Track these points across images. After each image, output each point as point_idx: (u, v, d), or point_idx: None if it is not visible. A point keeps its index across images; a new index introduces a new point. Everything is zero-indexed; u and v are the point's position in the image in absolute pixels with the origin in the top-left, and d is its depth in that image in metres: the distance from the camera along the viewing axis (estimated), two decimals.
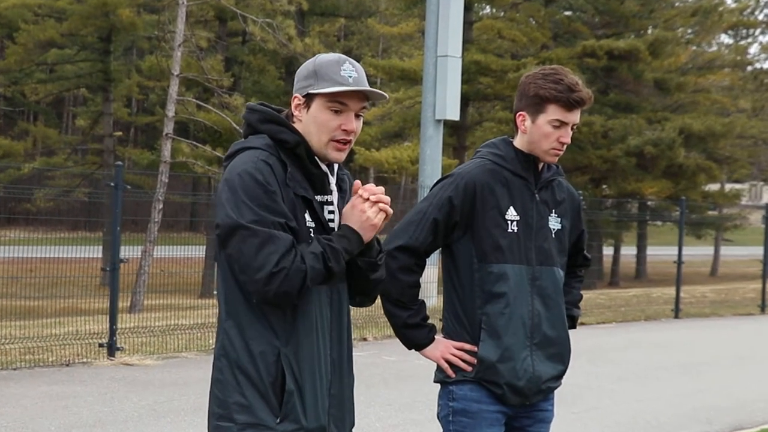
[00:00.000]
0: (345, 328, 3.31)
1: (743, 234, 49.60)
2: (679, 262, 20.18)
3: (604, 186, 37.54)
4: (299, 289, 3.07)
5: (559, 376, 4.05)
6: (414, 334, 3.99)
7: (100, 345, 11.84)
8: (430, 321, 4.03)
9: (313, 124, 3.21)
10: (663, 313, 19.64)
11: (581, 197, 4.94)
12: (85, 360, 11.50)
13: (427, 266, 4.07)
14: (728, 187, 45.83)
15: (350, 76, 3.19)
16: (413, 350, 4.05)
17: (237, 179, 3.11)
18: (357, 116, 3.23)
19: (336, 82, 3.17)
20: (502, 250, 3.89)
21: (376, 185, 3.25)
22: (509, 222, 3.91)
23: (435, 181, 4.06)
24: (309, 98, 3.22)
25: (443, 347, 3.96)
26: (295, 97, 3.26)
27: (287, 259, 3.04)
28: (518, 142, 3.99)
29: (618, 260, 40.37)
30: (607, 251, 39.57)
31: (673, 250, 20.52)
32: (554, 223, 4.03)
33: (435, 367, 4.04)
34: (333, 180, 3.31)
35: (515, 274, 3.89)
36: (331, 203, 3.28)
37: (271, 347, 3.13)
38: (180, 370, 11.26)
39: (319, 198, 3.24)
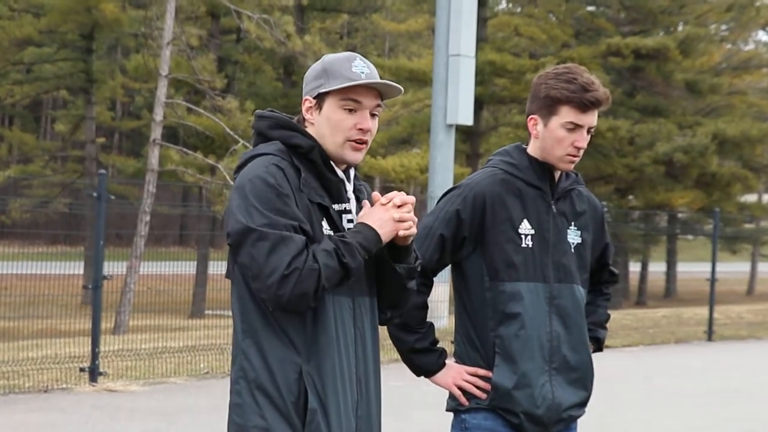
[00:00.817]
0: (370, 344, 3.35)
1: None
2: (713, 279, 20.13)
3: (631, 197, 37.51)
4: (315, 290, 3.11)
5: (581, 404, 4.04)
6: (423, 359, 4.00)
7: (82, 369, 11.84)
8: (440, 345, 4.03)
9: (327, 125, 3.28)
10: (695, 336, 19.61)
11: (605, 208, 4.94)
12: (64, 386, 11.50)
13: (436, 284, 4.07)
14: (766, 198, 45.81)
15: (362, 72, 3.27)
16: (422, 377, 4.06)
17: (248, 185, 3.19)
18: (372, 115, 3.30)
19: (347, 78, 3.25)
20: (516, 267, 3.89)
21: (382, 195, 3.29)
22: (523, 236, 3.91)
23: (443, 193, 4.07)
24: (320, 99, 3.30)
25: (455, 373, 3.97)
26: (306, 99, 3.33)
27: (299, 260, 3.10)
28: (532, 148, 4.00)
29: (645, 278, 40.32)
30: (634, 268, 39.55)
31: (706, 267, 20.46)
32: (573, 236, 4.02)
33: (446, 395, 4.04)
34: (350, 187, 3.36)
35: (530, 293, 3.89)
36: (350, 212, 3.34)
37: (292, 364, 3.18)
38: (168, 396, 11.27)
39: (336, 207, 3.30)
